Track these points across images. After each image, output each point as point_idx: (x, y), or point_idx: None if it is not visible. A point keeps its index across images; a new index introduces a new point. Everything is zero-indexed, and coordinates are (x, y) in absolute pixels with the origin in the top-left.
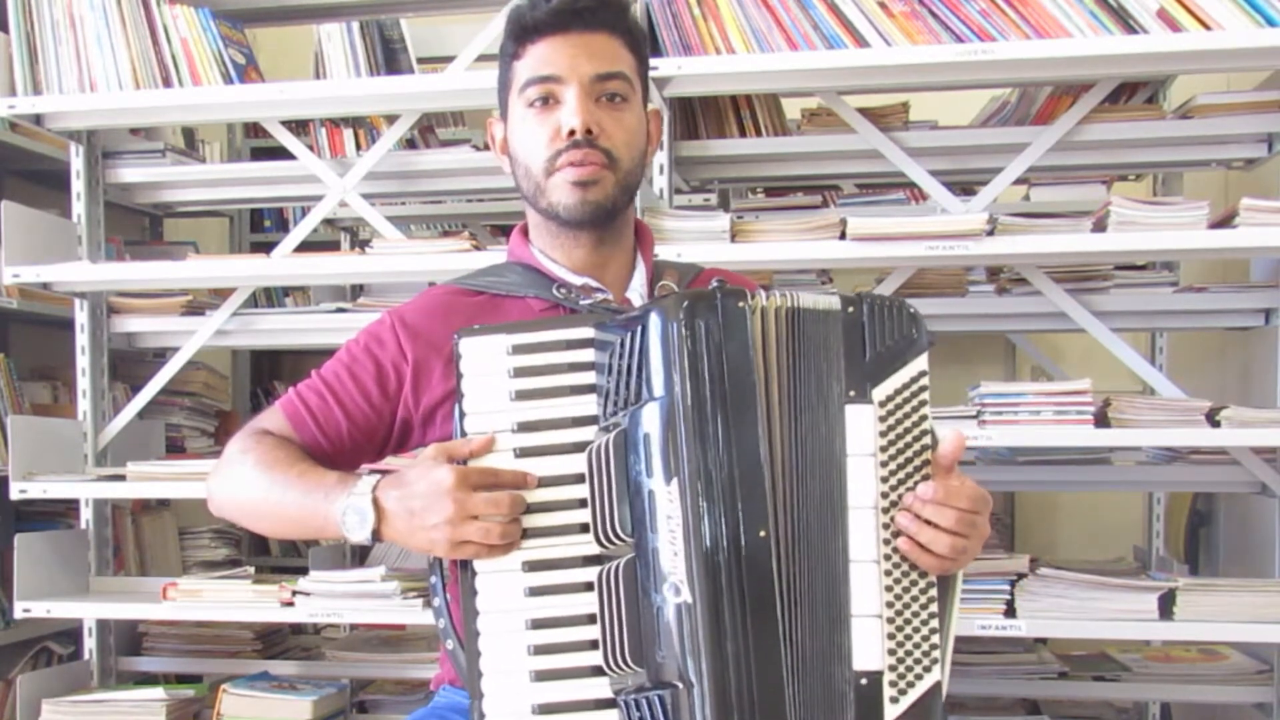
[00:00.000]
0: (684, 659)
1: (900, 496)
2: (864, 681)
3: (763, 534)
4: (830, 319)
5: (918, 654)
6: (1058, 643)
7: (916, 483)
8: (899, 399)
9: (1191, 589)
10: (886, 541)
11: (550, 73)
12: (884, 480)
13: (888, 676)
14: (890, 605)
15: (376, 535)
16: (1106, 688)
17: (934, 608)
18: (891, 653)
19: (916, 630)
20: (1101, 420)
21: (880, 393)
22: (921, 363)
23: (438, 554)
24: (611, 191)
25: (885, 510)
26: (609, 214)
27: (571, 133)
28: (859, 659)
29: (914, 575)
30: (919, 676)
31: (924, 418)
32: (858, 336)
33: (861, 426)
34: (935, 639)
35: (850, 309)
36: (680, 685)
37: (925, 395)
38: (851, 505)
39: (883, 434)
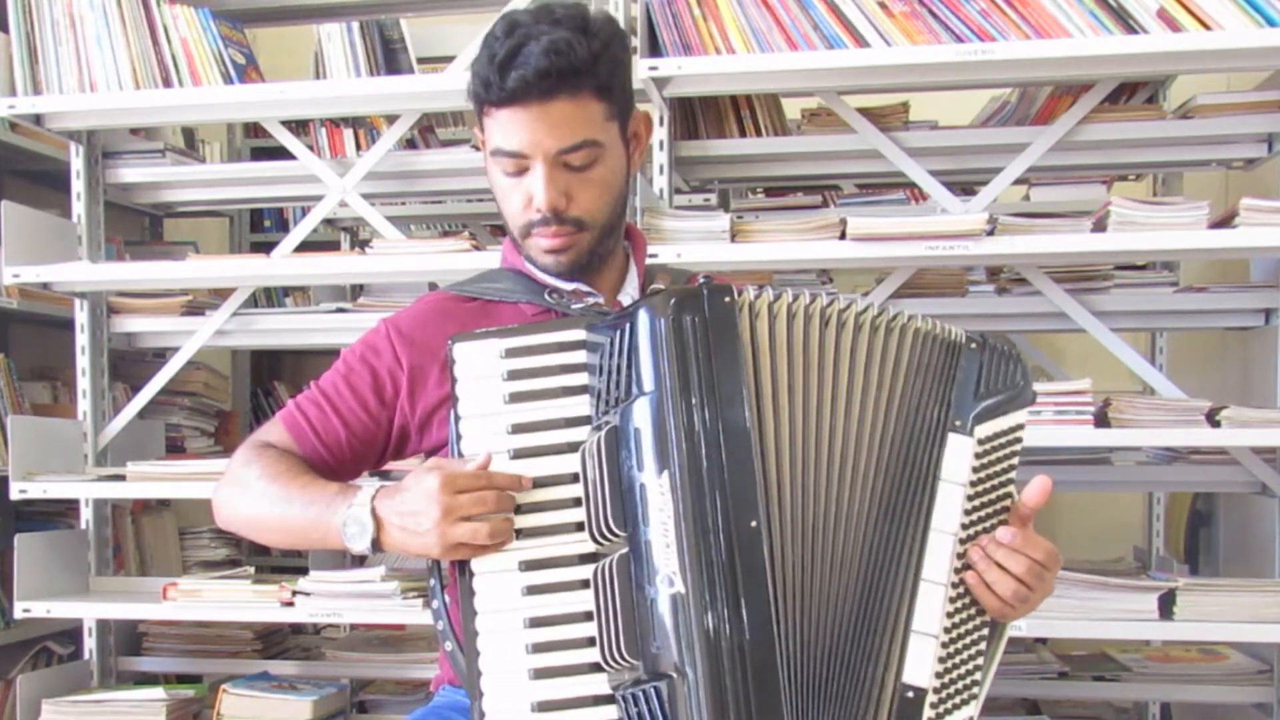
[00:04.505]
0: (679, 649)
1: (977, 532)
2: (909, 694)
3: (753, 524)
4: (952, 349)
5: (960, 684)
6: (1058, 643)
7: (994, 525)
8: (997, 442)
9: (1191, 589)
10: (956, 570)
11: (514, 149)
12: (966, 513)
13: (930, 698)
14: (947, 631)
15: (377, 545)
16: (1106, 688)
17: (983, 645)
18: (939, 675)
19: (964, 662)
20: (1101, 420)
21: (983, 431)
22: (1023, 415)
23: (434, 557)
24: (586, 249)
25: (962, 541)
26: (587, 265)
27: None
28: (909, 672)
29: (973, 609)
30: (957, 706)
31: (1012, 466)
32: (975, 373)
33: (960, 456)
34: (978, 675)
35: (973, 345)
36: (675, 675)
37: (1019, 446)
38: (934, 527)
39: (975, 469)
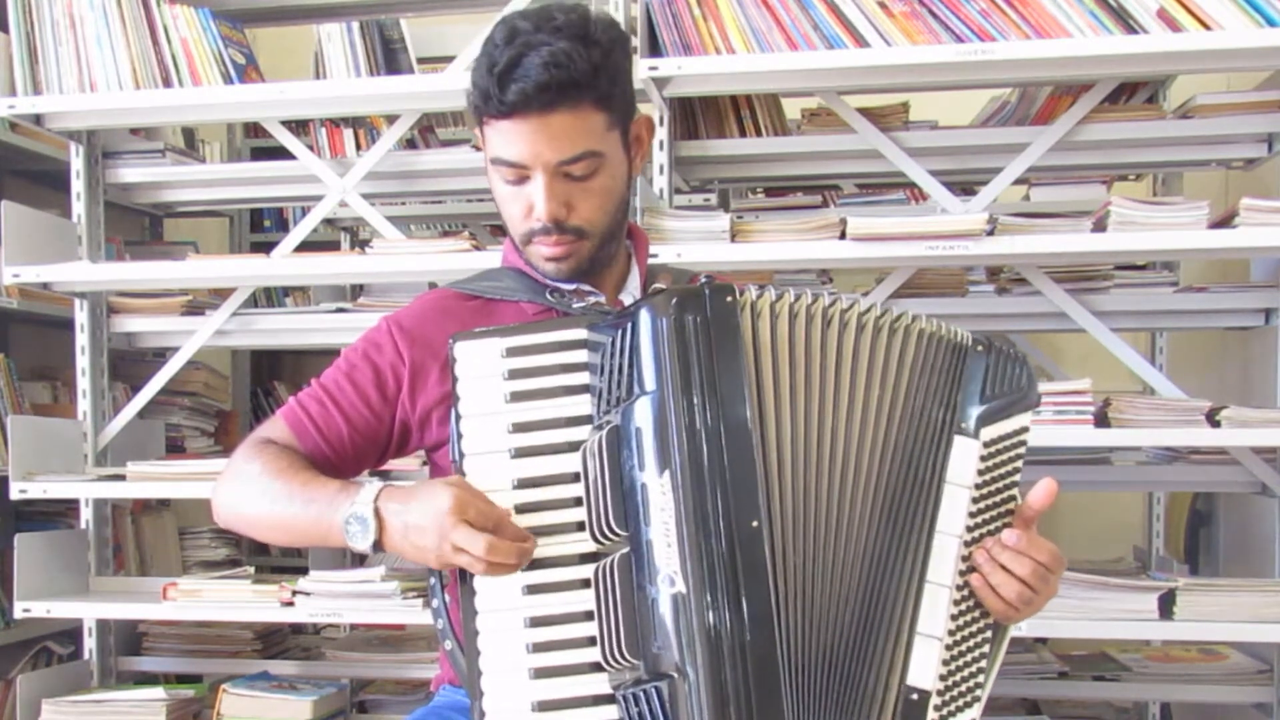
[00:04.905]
0: (680, 649)
1: (981, 535)
2: (914, 696)
3: (755, 524)
4: (958, 351)
5: (964, 687)
6: (1058, 643)
7: (998, 527)
8: (1002, 444)
9: (1191, 589)
10: (961, 573)
11: (514, 159)
12: (971, 516)
13: (934, 700)
14: (951, 633)
15: (379, 545)
16: (1106, 688)
17: (986, 648)
18: (943, 678)
19: (968, 665)
20: (1101, 420)
21: (988, 433)
22: (1027, 418)
23: (435, 566)
24: (586, 256)
25: (966, 543)
26: (589, 270)
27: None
28: (914, 674)
29: (977, 612)
30: (960, 709)
31: (1017, 469)
32: (980, 375)
33: (965, 459)
34: (981, 677)
35: (979, 347)
36: (676, 675)
37: (1023, 450)
38: (939, 529)
39: (980, 472)
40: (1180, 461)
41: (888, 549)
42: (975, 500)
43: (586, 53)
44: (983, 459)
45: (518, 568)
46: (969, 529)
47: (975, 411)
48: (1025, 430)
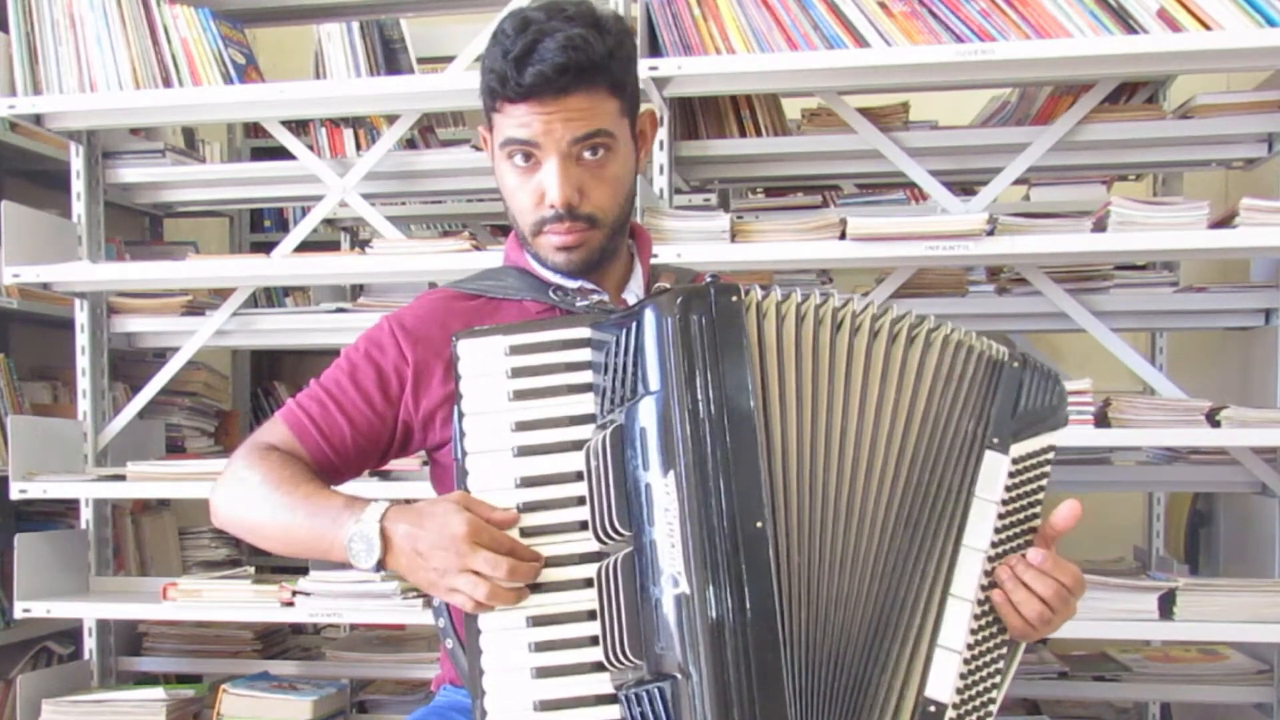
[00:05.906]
0: (683, 650)
1: (1004, 551)
2: (931, 709)
3: (759, 525)
4: (992, 365)
5: (978, 701)
6: (1058, 643)
7: (1021, 545)
8: (1030, 461)
9: (1191, 589)
10: (983, 588)
11: (527, 137)
12: (997, 531)
13: (949, 713)
14: (970, 648)
15: (381, 565)
16: (1106, 688)
17: (1001, 664)
18: (959, 691)
19: (983, 680)
20: (1101, 420)
21: (1017, 450)
22: (1055, 437)
23: (433, 594)
24: (597, 247)
25: (990, 559)
26: (598, 263)
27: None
28: (932, 686)
29: (995, 628)
30: None
31: (1041, 488)
32: (1014, 391)
33: (995, 474)
34: (994, 693)
35: (1015, 363)
36: (680, 676)
37: (1049, 468)
38: (965, 543)
39: (1008, 488)
40: (1180, 461)
41: (907, 557)
42: (1001, 516)
43: (601, 38)
44: (1011, 475)
45: (519, 601)
46: (993, 544)
47: (1008, 427)
48: (1053, 449)
